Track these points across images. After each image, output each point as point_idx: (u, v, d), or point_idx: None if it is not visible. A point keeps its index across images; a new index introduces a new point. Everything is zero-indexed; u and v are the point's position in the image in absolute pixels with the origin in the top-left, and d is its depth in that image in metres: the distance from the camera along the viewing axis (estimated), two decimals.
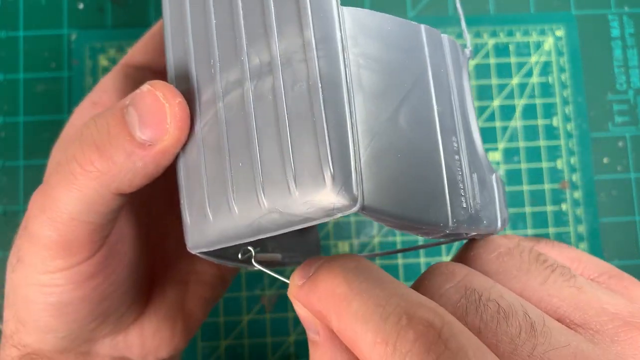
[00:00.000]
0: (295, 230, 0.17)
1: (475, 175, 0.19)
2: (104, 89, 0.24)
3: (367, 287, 0.15)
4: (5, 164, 0.38)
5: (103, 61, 0.39)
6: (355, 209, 0.15)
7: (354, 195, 0.15)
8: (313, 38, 0.16)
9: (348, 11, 0.17)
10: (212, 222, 0.17)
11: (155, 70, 0.25)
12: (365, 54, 0.17)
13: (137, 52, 0.25)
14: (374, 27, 0.17)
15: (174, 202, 0.24)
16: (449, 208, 0.17)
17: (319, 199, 0.15)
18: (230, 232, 0.17)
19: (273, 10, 0.17)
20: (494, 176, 0.20)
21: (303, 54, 0.16)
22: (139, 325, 0.24)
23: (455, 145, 0.18)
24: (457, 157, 0.18)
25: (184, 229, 0.19)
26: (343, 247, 0.38)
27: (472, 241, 0.19)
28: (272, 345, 0.37)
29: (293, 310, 0.37)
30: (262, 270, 0.21)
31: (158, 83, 0.18)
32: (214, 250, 0.18)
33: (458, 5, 0.20)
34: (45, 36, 0.39)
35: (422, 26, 0.19)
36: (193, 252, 0.19)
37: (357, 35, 0.17)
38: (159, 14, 0.40)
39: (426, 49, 0.18)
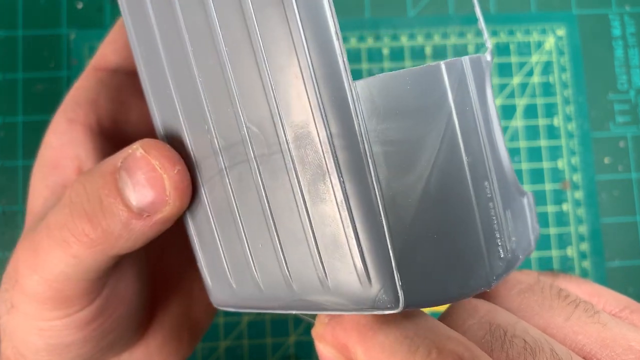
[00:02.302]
0: None
1: (509, 212, 0.17)
2: (78, 102, 0.22)
3: (393, 318, 0.15)
4: (4, 164, 0.38)
5: None
6: (397, 310, 0.14)
7: (397, 297, 0.14)
8: (325, 126, 0.14)
9: (362, 86, 0.14)
10: (236, 290, 0.17)
11: (128, 71, 0.23)
12: (385, 131, 0.15)
13: (107, 52, 0.23)
14: (391, 93, 0.15)
15: None
16: (488, 268, 0.16)
17: (357, 298, 0.15)
18: (257, 304, 0.17)
19: (270, 78, 0.15)
20: (525, 199, 0.18)
21: (317, 141, 0.14)
22: (144, 342, 0.23)
23: (489, 192, 0.16)
24: (491, 204, 0.16)
25: (205, 285, 0.18)
26: None
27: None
28: (272, 346, 0.37)
29: None
30: (297, 314, 0.21)
31: (152, 146, 0.17)
32: None
33: (477, 8, 0.18)
34: (44, 36, 0.39)
35: (442, 64, 0.16)
36: (219, 308, 0.19)
37: (374, 112, 0.15)
38: None
39: (449, 92, 0.16)
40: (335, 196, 0.14)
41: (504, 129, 0.40)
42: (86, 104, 0.22)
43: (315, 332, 0.17)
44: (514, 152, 0.40)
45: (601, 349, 0.15)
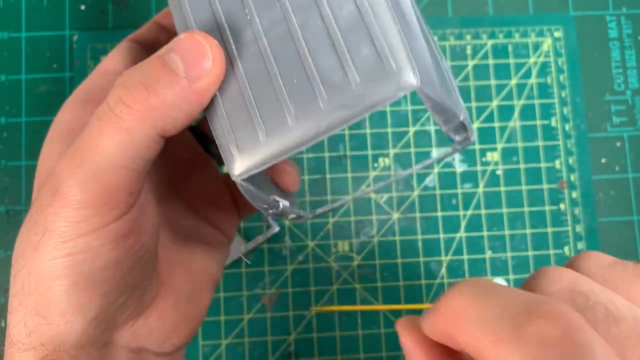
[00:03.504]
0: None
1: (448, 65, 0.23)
2: (87, 90, 0.24)
3: (483, 293, 0.15)
4: (8, 164, 0.38)
5: None
6: (417, 85, 0.18)
7: (416, 74, 0.18)
8: None
9: None
10: (266, 141, 0.19)
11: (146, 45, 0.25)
12: None
13: (144, 29, 0.26)
14: None
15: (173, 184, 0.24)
16: (458, 97, 0.21)
17: (382, 85, 0.18)
18: (288, 142, 0.19)
19: None
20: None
21: None
22: (156, 306, 0.23)
23: (435, 47, 0.22)
24: (442, 60, 0.22)
25: (228, 162, 0.20)
26: (343, 246, 0.38)
27: (572, 258, 0.19)
28: (272, 343, 0.37)
29: (293, 309, 0.37)
30: (294, 220, 0.23)
31: (193, 31, 0.19)
32: (256, 183, 0.20)
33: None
34: (47, 37, 0.40)
35: None
36: (242, 177, 0.20)
37: None
38: None
39: None
40: (361, 14, 0.18)
41: (502, 130, 0.40)
42: (100, 90, 0.23)
43: (400, 325, 0.18)
44: (512, 153, 0.40)
45: None
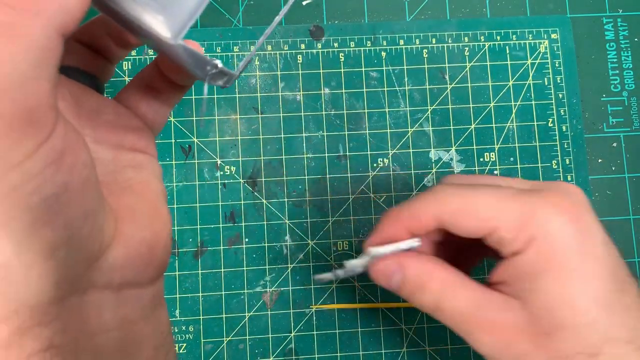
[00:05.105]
0: None
1: None
2: None
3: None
4: None
5: None
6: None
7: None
8: None
9: None
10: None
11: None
12: None
13: None
14: None
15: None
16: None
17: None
18: None
19: None
20: None
21: None
22: (120, 232, 0.21)
23: None
24: None
25: (158, 30, 0.18)
26: (343, 245, 0.39)
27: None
28: (273, 341, 0.38)
29: (293, 307, 0.38)
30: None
31: None
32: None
33: None
34: None
35: None
36: (181, 37, 0.18)
37: None
38: None
39: None
40: None
41: (500, 130, 0.41)
42: None
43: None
44: (509, 153, 0.41)
45: None
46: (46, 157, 0.16)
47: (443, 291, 0.26)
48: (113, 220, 0.20)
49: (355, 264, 0.28)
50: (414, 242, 0.27)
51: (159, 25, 0.17)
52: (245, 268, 0.38)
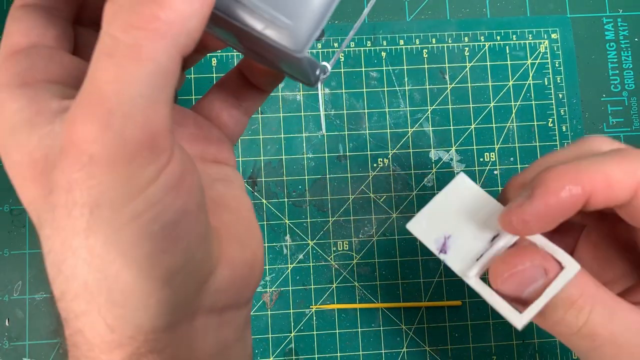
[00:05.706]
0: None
1: None
2: (18, 34, 0.18)
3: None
4: None
5: None
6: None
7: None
8: None
9: None
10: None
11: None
12: None
13: None
14: None
15: None
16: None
17: None
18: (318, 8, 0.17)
19: None
20: None
21: None
22: (224, 253, 0.20)
23: None
24: None
25: (286, 39, 0.17)
26: (343, 245, 0.39)
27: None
28: (273, 340, 0.38)
29: (293, 307, 0.38)
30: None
31: None
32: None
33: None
34: None
35: None
36: (308, 49, 0.17)
37: None
38: None
39: None
40: None
41: (500, 130, 0.41)
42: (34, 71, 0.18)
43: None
44: (509, 153, 0.41)
45: None
46: (167, 183, 0.16)
47: (599, 312, 0.21)
48: (217, 241, 0.20)
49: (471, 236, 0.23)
50: (575, 266, 0.20)
51: (286, 39, 0.17)
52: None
